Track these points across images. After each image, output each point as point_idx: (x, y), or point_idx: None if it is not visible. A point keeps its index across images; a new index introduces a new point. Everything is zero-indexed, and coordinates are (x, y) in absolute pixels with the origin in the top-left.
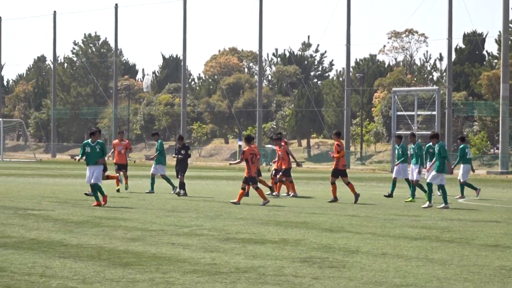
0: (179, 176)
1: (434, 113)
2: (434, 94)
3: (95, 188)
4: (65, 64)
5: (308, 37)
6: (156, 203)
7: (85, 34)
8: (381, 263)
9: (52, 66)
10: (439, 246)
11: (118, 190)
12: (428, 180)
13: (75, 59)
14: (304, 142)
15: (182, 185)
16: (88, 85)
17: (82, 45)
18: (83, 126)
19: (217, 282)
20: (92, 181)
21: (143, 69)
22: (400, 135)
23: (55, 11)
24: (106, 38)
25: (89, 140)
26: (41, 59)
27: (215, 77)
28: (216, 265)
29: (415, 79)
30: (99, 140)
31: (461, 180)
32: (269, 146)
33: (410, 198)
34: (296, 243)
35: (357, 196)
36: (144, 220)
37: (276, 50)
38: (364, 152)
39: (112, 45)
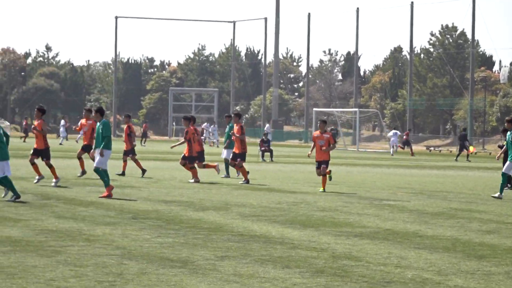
0: None
1: None
2: None
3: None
4: (422, 55)
5: None
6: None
7: (442, 25)
8: None
9: (408, 56)
10: None
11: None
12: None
13: (431, 49)
14: None
15: None
16: (445, 76)
17: (439, 35)
18: (439, 117)
19: None
20: None
21: (500, 61)
22: None
23: (412, 2)
24: (463, 29)
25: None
26: (398, 49)
27: None
28: None
29: None
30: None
31: None
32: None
33: None
34: None
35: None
36: (500, 213)
37: None
38: None
39: (469, 36)
